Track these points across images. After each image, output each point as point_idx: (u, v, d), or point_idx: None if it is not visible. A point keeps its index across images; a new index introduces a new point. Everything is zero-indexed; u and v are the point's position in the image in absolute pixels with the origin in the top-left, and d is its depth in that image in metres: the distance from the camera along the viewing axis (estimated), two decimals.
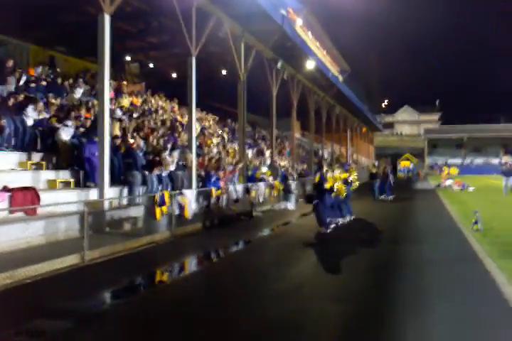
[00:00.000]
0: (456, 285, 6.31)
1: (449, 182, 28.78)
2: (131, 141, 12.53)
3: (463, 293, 5.89)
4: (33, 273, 6.52)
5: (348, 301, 5.58)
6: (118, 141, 11.77)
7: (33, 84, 13.28)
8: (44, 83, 13.99)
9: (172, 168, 12.59)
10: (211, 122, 25.52)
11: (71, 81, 15.71)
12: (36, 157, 10.70)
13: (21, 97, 11.49)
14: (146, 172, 11.60)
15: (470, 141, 67.94)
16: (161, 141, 14.27)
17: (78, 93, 15.00)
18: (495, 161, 60.01)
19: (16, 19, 15.71)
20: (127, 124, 14.34)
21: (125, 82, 20.61)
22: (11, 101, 10.98)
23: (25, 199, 8.39)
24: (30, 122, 11.01)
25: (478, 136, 67.64)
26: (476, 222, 10.62)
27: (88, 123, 12.06)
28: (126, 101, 17.78)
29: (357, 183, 13.08)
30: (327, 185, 10.98)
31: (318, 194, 11.14)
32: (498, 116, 77.85)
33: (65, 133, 11.18)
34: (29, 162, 10.28)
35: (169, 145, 14.20)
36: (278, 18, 16.88)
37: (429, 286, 6.22)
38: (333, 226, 11.11)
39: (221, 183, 13.92)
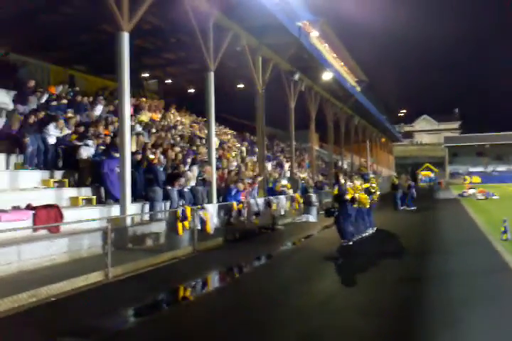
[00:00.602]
0: (491, 297, 6.10)
1: (472, 191, 28.35)
2: (152, 156, 12.55)
3: (499, 306, 5.69)
4: (57, 291, 6.49)
5: (377, 316, 5.44)
6: (138, 157, 11.80)
7: (53, 103, 13.44)
8: (64, 101, 14.16)
9: (193, 182, 12.57)
10: (229, 136, 25.56)
11: (91, 99, 15.88)
12: (58, 175, 10.81)
13: (42, 115, 11.62)
14: (168, 187, 11.60)
15: (491, 149, 66.75)
16: (181, 156, 14.27)
17: (98, 110, 15.14)
18: None
19: (36, 40, 16.06)
20: (147, 139, 14.39)
21: (144, 99, 20.76)
22: (32, 119, 11.11)
23: (48, 217, 8.42)
24: (51, 140, 11.14)
25: (499, 143, 66.41)
26: (504, 231, 10.36)
27: (108, 140, 12.14)
28: (145, 117, 17.89)
29: (378, 193, 12.93)
30: (348, 196, 10.85)
31: (340, 205, 11.00)
32: None
33: (86, 152, 11.26)
34: (52, 180, 10.39)
35: (189, 160, 14.22)
36: (294, 31, 16.96)
37: (463, 299, 6.03)
38: (356, 239, 10.95)
39: (242, 197, 13.85)
